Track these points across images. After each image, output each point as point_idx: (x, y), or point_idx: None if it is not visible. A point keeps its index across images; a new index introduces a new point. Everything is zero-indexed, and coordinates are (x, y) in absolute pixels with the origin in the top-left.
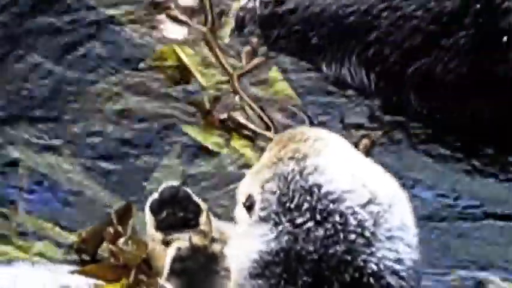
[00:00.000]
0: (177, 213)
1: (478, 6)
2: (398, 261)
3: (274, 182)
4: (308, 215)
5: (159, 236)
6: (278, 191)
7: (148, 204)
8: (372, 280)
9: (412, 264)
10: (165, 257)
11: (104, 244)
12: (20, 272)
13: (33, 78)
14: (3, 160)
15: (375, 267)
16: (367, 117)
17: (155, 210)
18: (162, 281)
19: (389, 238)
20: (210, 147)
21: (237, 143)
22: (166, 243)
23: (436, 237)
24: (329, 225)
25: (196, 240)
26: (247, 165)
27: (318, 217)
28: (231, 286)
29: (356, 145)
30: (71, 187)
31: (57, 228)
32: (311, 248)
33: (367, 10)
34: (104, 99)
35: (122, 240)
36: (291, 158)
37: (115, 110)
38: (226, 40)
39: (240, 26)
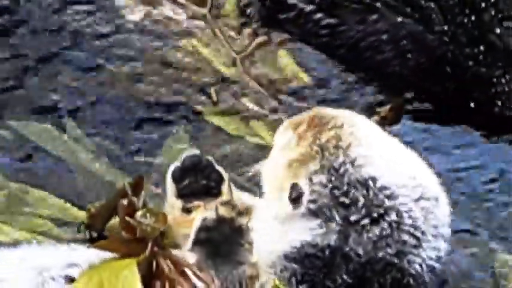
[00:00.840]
0: (199, 181)
1: (449, 69)
2: (438, 259)
3: (323, 175)
4: (364, 212)
5: (179, 203)
6: (330, 184)
7: (170, 171)
8: (411, 281)
9: (445, 258)
10: (185, 225)
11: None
12: (26, 254)
13: None
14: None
15: (418, 268)
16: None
17: (177, 178)
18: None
19: (435, 236)
20: (230, 131)
21: (254, 125)
22: (187, 211)
23: None
24: (385, 225)
25: (223, 211)
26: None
27: (375, 214)
28: (255, 260)
29: None
30: (77, 163)
31: (67, 205)
32: (360, 251)
33: (355, 44)
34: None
35: (140, 213)
36: (336, 147)
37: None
38: (230, 19)
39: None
